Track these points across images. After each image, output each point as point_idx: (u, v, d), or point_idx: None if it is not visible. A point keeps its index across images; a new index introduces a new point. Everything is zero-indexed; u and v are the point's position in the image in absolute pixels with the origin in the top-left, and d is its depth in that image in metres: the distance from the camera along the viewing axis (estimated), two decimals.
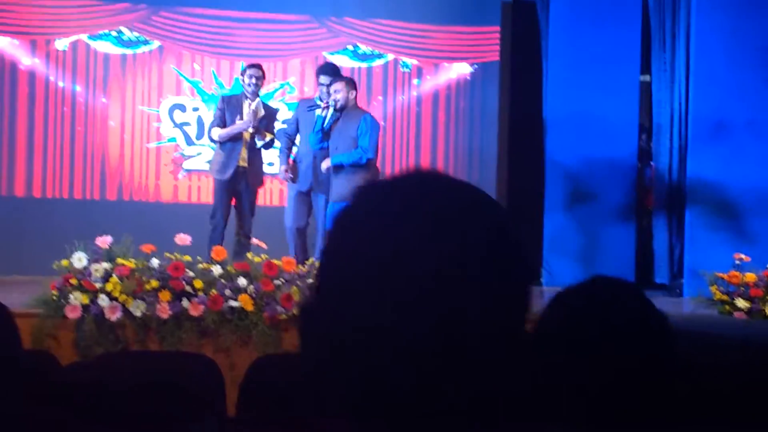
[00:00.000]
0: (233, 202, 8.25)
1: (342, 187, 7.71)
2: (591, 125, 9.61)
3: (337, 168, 7.87)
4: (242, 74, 8.45)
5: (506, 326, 1.13)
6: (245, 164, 8.21)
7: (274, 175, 9.44)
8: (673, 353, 1.73)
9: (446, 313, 1.09)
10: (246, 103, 8.28)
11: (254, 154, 8.27)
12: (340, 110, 7.97)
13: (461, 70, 10.62)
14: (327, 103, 7.99)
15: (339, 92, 7.95)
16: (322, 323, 1.14)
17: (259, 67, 8.43)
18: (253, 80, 8.29)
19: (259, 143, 8.25)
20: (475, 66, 10.59)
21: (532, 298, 1.17)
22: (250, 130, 8.17)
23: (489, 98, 10.54)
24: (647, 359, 1.70)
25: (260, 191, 8.65)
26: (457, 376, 1.09)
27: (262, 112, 8.29)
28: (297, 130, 8.61)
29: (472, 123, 10.58)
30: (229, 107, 8.31)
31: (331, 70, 8.54)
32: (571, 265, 9.32)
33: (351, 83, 8.17)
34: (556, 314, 1.86)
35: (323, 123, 7.99)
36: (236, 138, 8.19)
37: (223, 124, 8.25)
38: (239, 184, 8.20)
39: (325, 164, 7.97)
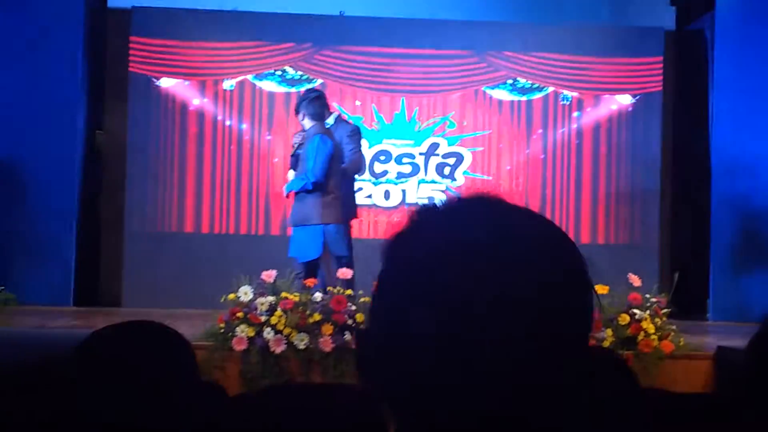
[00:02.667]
0: None
1: (296, 212, 7.68)
2: (762, 161, 9.31)
3: (295, 194, 7.71)
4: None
5: (564, 351, 1.09)
6: None
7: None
8: None
9: (504, 339, 1.06)
10: None
11: None
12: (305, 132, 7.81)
13: (622, 101, 10.47)
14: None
15: (299, 117, 7.80)
16: (377, 348, 1.12)
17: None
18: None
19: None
20: (637, 97, 10.42)
21: (591, 324, 1.14)
22: None
23: (651, 130, 10.35)
24: None
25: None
26: (517, 404, 1.07)
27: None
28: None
29: (634, 155, 10.39)
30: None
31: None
32: (739, 302, 9.04)
33: (304, 104, 7.79)
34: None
35: (295, 150, 7.98)
36: None
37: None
38: None
39: (284, 192, 7.94)
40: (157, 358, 1.82)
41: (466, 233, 1.11)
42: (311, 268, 7.52)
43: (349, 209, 7.99)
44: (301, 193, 7.62)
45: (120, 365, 1.77)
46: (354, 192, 8.39)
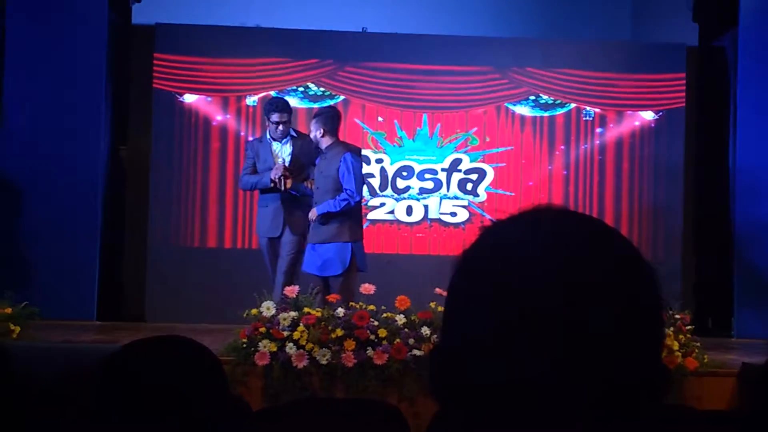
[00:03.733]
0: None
1: (322, 230, 7.64)
2: None
3: (325, 216, 7.65)
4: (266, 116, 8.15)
5: (637, 358, 1.12)
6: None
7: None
8: None
9: (578, 349, 1.08)
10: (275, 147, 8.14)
11: None
12: (320, 149, 7.77)
13: (645, 117, 10.45)
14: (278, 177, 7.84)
15: (312, 133, 7.76)
16: (451, 364, 1.15)
17: (281, 108, 8.10)
18: (280, 126, 8.03)
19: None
20: (660, 113, 10.41)
21: (664, 334, 1.17)
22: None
23: (674, 147, 10.32)
24: None
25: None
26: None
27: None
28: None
29: (657, 172, 10.37)
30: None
31: (284, 106, 8.16)
32: (764, 319, 8.99)
33: (322, 119, 7.75)
34: None
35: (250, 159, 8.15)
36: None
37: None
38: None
39: (312, 215, 7.68)
40: (188, 372, 1.83)
41: (536, 243, 1.15)
42: (327, 283, 7.55)
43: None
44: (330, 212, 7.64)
45: (151, 378, 1.78)
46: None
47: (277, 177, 7.81)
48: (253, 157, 8.18)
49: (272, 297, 6.99)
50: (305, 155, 8.02)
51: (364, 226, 10.03)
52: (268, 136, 8.13)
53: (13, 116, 9.39)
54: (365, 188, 10.18)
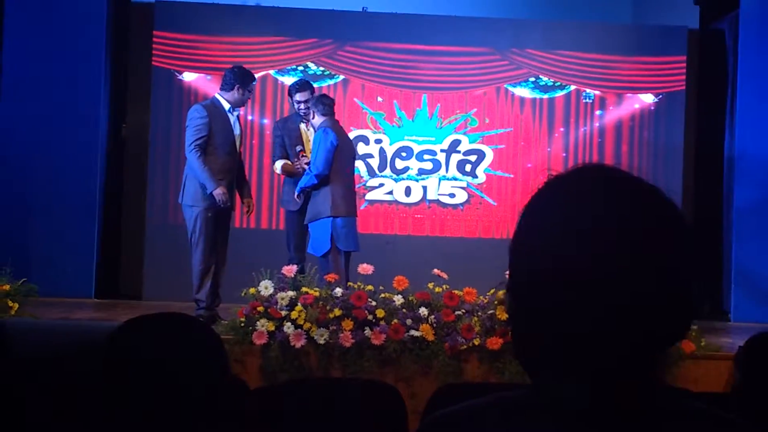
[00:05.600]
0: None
1: (310, 209, 7.73)
2: None
3: (305, 191, 7.78)
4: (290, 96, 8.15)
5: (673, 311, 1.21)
6: None
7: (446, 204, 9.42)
8: None
9: (625, 299, 1.18)
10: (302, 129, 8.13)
11: None
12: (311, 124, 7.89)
13: (645, 100, 10.44)
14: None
15: (302, 102, 7.94)
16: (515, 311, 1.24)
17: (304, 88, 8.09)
18: (302, 106, 8.01)
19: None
20: (660, 96, 10.39)
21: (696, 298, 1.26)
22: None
23: (674, 129, 10.32)
24: None
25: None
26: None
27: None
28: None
29: (656, 155, 10.36)
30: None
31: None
32: (760, 301, 9.00)
33: (314, 102, 7.84)
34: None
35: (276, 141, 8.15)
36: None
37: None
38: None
39: (297, 196, 7.90)
40: (189, 349, 1.82)
41: (586, 197, 1.25)
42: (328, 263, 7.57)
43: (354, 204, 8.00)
44: (313, 190, 7.69)
45: (153, 355, 1.78)
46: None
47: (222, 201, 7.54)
48: (281, 137, 8.14)
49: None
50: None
51: (362, 207, 10.06)
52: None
53: (12, 93, 9.37)
54: (364, 168, 10.19)
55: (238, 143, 7.66)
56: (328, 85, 10.28)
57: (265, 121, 10.20)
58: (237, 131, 7.66)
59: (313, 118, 7.78)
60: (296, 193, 7.86)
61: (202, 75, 10.12)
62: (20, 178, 9.35)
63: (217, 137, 7.51)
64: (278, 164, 8.14)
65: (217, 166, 7.47)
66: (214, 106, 7.59)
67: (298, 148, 8.11)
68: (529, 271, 1.21)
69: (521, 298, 1.22)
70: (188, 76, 10.11)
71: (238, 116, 7.71)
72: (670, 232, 1.24)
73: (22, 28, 9.41)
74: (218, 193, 7.38)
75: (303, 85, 8.19)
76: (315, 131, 7.79)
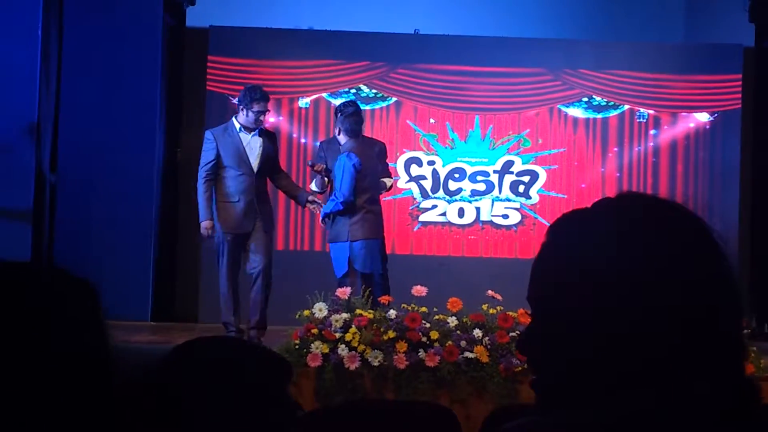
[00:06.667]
0: None
1: (331, 230, 7.70)
2: None
3: (329, 217, 7.72)
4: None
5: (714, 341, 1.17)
6: None
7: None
8: None
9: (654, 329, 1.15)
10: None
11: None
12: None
13: (700, 119, 10.34)
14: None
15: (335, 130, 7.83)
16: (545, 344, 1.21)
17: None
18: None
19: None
20: (715, 115, 10.29)
21: (742, 321, 1.23)
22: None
23: (730, 148, 10.21)
24: None
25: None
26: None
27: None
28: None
29: (712, 174, 10.26)
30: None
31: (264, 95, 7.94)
32: None
33: (341, 119, 7.75)
34: None
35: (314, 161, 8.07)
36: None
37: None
38: None
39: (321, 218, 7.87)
40: (243, 372, 1.84)
41: (616, 228, 1.21)
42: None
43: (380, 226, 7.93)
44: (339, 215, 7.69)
45: (207, 379, 1.80)
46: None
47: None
48: (324, 157, 8.13)
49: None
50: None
51: (415, 229, 10.06)
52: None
53: (71, 118, 9.50)
54: (417, 190, 10.20)
55: (257, 162, 7.62)
56: (381, 108, 10.31)
57: (317, 144, 10.24)
58: (258, 150, 7.65)
59: (338, 134, 7.76)
60: (321, 218, 7.83)
61: None
62: (79, 202, 9.47)
63: (226, 159, 7.60)
64: (313, 184, 8.14)
65: (233, 187, 7.57)
66: (224, 130, 7.71)
67: (311, 161, 8.10)
68: (601, 298, 1.17)
69: (586, 325, 1.18)
70: None
71: (261, 134, 7.69)
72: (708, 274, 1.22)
73: (80, 54, 9.55)
74: (203, 226, 7.56)
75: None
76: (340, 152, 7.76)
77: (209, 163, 7.60)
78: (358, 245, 7.65)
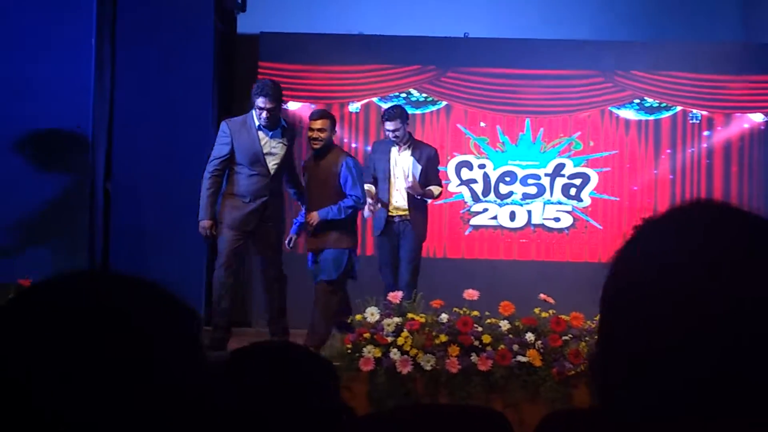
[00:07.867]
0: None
1: (326, 238, 7.66)
2: None
3: (325, 221, 7.64)
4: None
5: None
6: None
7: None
8: None
9: (734, 354, 1.03)
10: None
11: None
12: (317, 151, 7.67)
13: (755, 120, 10.22)
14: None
15: (322, 131, 7.58)
16: (612, 368, 1.10)
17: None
18: (390, 135, 7.89)
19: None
20: None
21: None
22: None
23: None
24: None
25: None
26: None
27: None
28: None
29: (767, 175, 10.13)
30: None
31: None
32: None
33: (333, 120, 7.78)
34: None
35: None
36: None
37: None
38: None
39: (313, 218, 7.65)
40: (296, 377, 1.85)
41: (693, 240, 1.10)
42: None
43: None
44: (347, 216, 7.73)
45: (261, 383, 1.81)
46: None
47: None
48: (373, 159, 8.18)
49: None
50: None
51: (466, 232, 10.06)
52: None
53: (124, 127, 9.60)
54: (468, 193, 10.19)
55: (275, 165, 7.46)
56: (431, 111, 10.31)
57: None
58: (276, 150, 7.45)
59: (328, 139, 7.68)
60: (319, 219, 7.64)
61: (306, 104, 10.25)
62: (132, 210, 9.56)
63: (240, 157, 7.41)
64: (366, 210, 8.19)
65: (245, 187, 7.42)
66: (242, 124, 7.44)
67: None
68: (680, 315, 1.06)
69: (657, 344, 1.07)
70: (293, 105, 10.25)
71: (279, 135, 7.51)
72: None
73: (133, 62, 9.64)
74: (202, 225, 7.46)
75: (392, 114, 8.04)
76: (325, 153, 7.72)
77: (220, 158, 7.38)
78: (354, 251, 7.85)
